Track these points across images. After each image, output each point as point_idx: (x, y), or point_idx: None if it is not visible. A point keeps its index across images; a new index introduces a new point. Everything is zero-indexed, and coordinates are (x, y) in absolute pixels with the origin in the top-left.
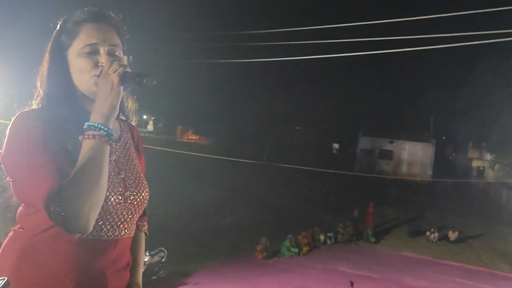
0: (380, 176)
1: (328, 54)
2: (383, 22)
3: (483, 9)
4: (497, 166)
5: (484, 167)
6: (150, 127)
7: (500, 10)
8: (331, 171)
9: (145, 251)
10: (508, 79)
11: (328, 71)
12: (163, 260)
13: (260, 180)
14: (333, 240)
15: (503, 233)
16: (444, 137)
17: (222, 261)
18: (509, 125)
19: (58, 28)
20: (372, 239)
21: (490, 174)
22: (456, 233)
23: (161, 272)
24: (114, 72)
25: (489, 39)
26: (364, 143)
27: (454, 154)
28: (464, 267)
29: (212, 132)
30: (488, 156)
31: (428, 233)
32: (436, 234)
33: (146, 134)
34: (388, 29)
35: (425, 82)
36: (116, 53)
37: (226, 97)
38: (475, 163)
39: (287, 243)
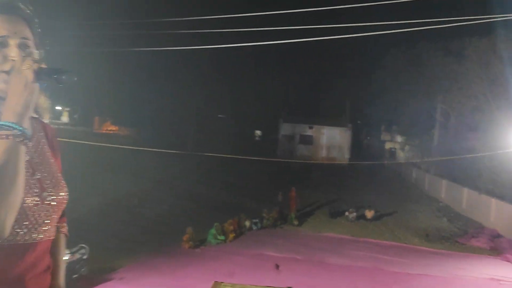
0: (301, 161)
1: (247, 43)
2: (300, 11)
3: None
4: (407, 148)
5: (395, 149)
6: (65, 118)
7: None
8: (254, 158)
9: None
10: (416, 65)
11: (248, 59)
12: (84, 257)
13: (184, 169)
14: (258, 225)
15: (413, 210)
16: (359, 121)
17: (148, 253)
18: (417, 109)
19: None
20: (296, 222)
21: (401, 155)
22: (372, 212)
23: (83, 269)
24: (28, 69)
25: (400, 29)
26: (285, 129)
27: (368, 137)
28: (380, 243)
29: (133, 122)
30: (399, 138)
31: (346, 213)
32: (354, 214)
33: (62, 126)
34: (304, 19)
35: (341, 68)
36: (28, 47)
37: (147, 86)
38: (388, 145)
39: (213, 231)
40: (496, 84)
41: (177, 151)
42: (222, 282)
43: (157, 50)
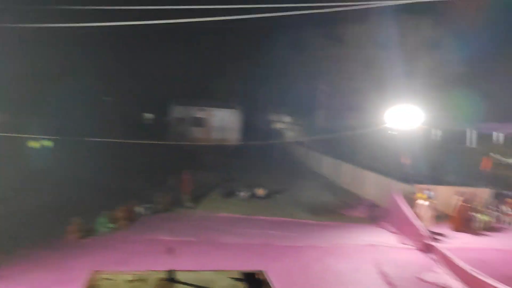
0: (193, 143)
1: (134, 22)
2: None
3: None
4: (294, 127)
5: (283, 129)
6: None
7: None
8: (144, 142)
9: None
10: (301, 48)
11: (138, 40)
12: None
13: (67, 156)
14: (151, 210)
15: (301, 186)
16: (249, 103)
17: (30, 248)
18: (302, 91)
19: None
20: (190, 205)
21: (289, 135)
22: (263, 190)
23: None
24: None
25: (284, 11)
26: (177, 112)
27: (258, 119)
28: (272, 220)
29: (7, 106)
30: (287, 119)
31: (239, 192)
32: (246, 193)
33: None
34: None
35: (231, 52)
36: None
37: (24, 67)
38: (276, 125)
39: (102, 219)
40: (371, 67)
41: (57, 137)
42: (101, 271)
43: (33, 27)
